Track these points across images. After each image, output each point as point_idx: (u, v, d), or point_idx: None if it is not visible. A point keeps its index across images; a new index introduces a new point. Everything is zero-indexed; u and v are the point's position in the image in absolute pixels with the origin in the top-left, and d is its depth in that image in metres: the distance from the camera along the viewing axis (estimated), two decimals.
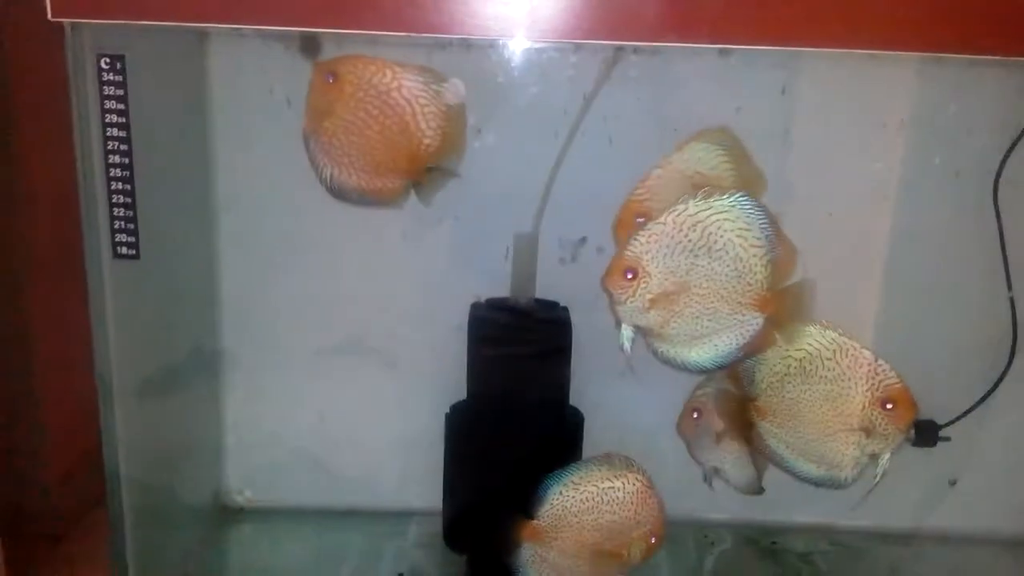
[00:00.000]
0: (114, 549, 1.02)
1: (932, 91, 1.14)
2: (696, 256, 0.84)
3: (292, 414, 1.27)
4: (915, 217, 1.18)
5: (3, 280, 1.10)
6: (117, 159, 0.89)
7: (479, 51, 1.02)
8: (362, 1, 0.81)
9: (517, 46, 1.04)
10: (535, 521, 0.97)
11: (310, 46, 0.93)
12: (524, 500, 0.99)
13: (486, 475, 1.12)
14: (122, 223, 0.91)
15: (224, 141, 1.16)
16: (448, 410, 1.15)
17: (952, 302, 1.21)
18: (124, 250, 0.92)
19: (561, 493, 0.96)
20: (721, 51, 1.05)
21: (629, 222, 0.91)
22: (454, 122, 0.88)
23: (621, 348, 0.87)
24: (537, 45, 1.03)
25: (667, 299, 0.85)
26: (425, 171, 0.89)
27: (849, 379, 0.89)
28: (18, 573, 1.04)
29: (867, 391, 0.89)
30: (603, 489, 0.95)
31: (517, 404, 1.10)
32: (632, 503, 0.95)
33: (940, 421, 1.20)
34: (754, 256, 0.85)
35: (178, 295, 1.13)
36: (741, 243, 0.84)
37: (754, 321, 0.86)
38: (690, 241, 0.84)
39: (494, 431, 1.11)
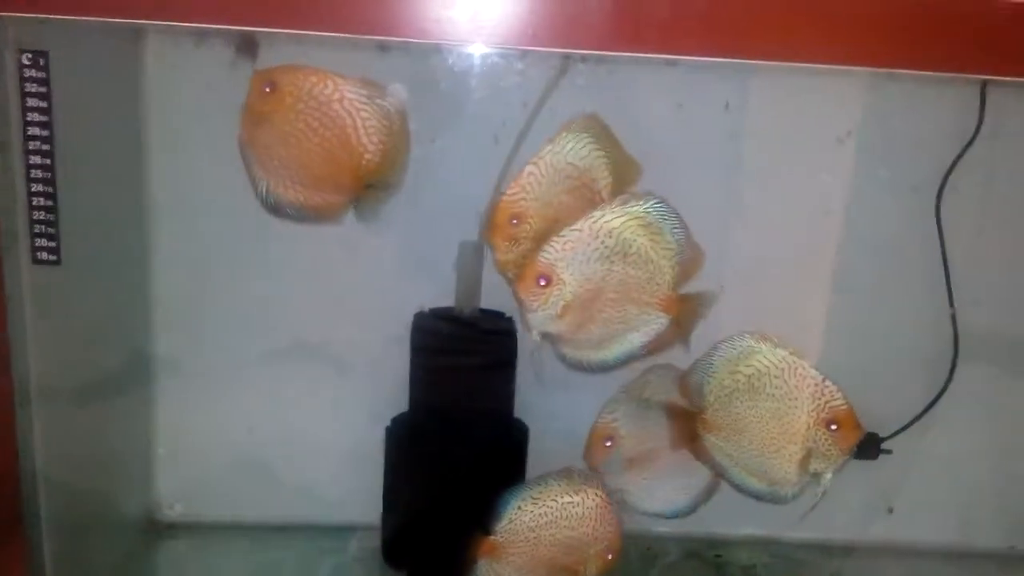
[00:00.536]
0: (31, 564, 0.97)
1: (881, 105, 1.15)
2: (611, 263, 0.85)
3: (226, 424, 1.24)
4: (861, 230, 1.19)
5: None
6: (38, 159, 0.85)
7: (422, 56, 1.00)
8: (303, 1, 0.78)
9: (464, 52, 1.02)
10: (492, 537, 0.95)
11: (246, 47, 0.90)
12: (469, 515, 0.97)
13: (427, 489, 1.09)
14: (42, 227, 0.86)
15: (159, 143, 1.12)
16: (389, 422, 1.13)
17: (898, 315, 1.22)
18: (44, 255, 0.87)
19: (520, 508, 0.95)
20: (668, 62, 1.04)
21: (504, 224, 0.89)
22: (396, 137, 0.86)
23: (530, 356, 0.88)
24: (484, 51, 1.01)
25: (580, 305, 0.85)
26: (365, 187, 0.87)
27: (796, 398, 0.89)
28: None
29: (813, 411, 0.89)
30: (563, 504, 0.95)
31: (460, 416, 1.08)
32: (591, 519, 0.95)
33: (882, 434, 1.21)
34: (664, 259, 0.86)
35: (105, 302, 1.10)
36: (653, 247, 0.85)
37: (659, 321, 0.88)
38: (606, 248, 0.84)
39: (436, 444, 1.09)
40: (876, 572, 1.30)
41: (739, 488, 0.96)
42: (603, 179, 0.90)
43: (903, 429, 1.20)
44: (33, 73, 0.82)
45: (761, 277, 1.20)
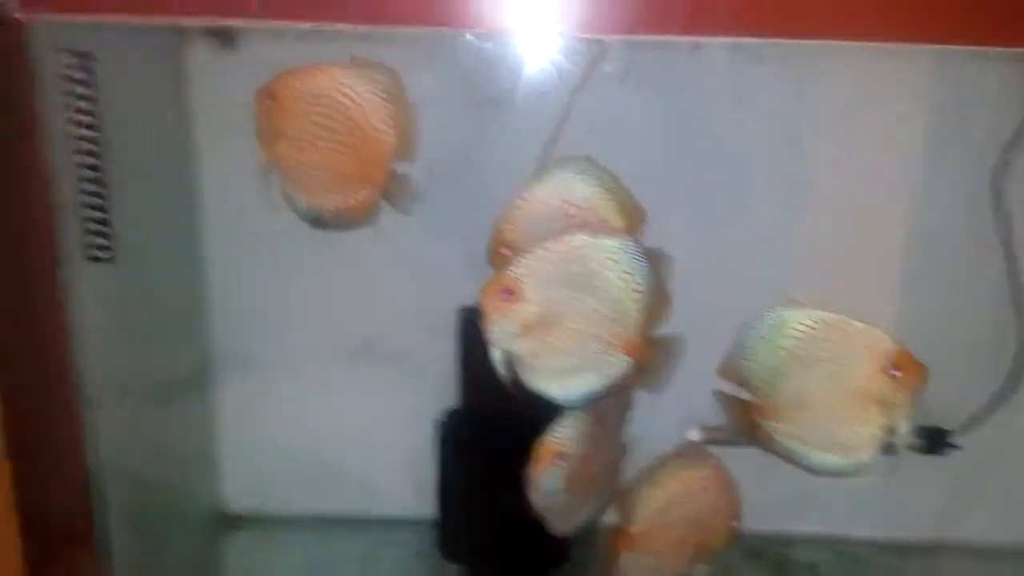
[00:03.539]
0: (103, 559, 1.01)
1: (948, 86, 1.10)
2: (575, 290, 0.82)
3: (290, 420, 1.26)
4: (926, 217, 1.15)
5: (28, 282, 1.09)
6: (88, 160, 0.87)
7: (461, 45, 1.01)
8: None
9: (502, 39, 1.01)
10: (628, 529, 0.94)
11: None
12: (522, 508, 0.96)
13: (479, 484, 1.10)
14: (95, 226, 0.89)
15: (209, 141, 1.14)
16: (441, 417, 1.13)
17: (966, 305, 1.17)
18: (99, 253, 0.90)
19: (645, 493, 0.93)
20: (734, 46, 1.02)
21: (496, 252, 0.89)
22: (401, 110, 0.84)
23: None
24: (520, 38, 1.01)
25: (540, 329, 0.83)
26: (390, 177, 0.86)
27: (846, 354, 0.83)
28: (38, 573, 1.05)
29: (868, 361, 0.83)
30: (683, 480, 0.93)
31: (510, 410, 1.07)
32: (713, 489, 0.93)
33: (951, 429, 1.16)
34: (631, 300, 0.83)
35: (163, 299, 1.12)
36: (622, 285, 0.82)
37: (620, 363, 0.85)
38: (572, 274, 0.82)
39: (487, 438, 1.09)
40: (945, 572, 1.25)
41: (813, 469, 0.88)
42: (609, 218, 0.88)
43: (972, 424, 1.15)
44: (79, 75, 0.85)
45: (825, 267, 1.16)
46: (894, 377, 0.82)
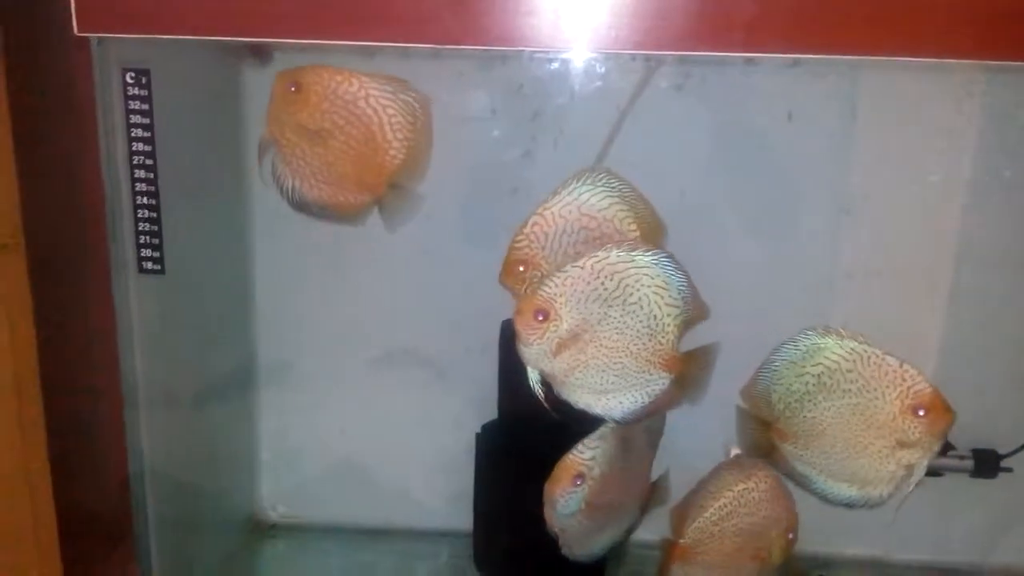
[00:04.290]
0: (141, 562, 1.01)
1: (1001, 99, 1.08)
2: (609, 306, 0.82)
3: (326, 430, 1.27)
4: (977, 233, 1.12)
5: (79, 291, 1.11)
6: (142, 174, 0.89)
7: (506, 63, 1.01)
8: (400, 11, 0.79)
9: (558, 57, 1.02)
10: (680, 540, 0.94)
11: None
12: None
13: (517, 497, 1.09)
14: (147, 238, 0.91)
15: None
16: (479, 429, 1.13)
17: (1017, 326, 1.14)
18: (149, 265, 0.91)
19: (701, 506, 0.93)
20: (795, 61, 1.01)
21: (512, 270, 0.88)
22: (420, 135, 0.85)
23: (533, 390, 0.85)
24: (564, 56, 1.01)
25: (575, 346, 0.82)
26: (389, 188, 0.86)
27: (874, 389, 0.83)
28: (75, 573, 1.06)
29: (896, 400, 0.83)
30: (739, 492, 0.92)
31: (548, 423, 1.06)
32: (768, 501, 0.92)
33: (1002, 451, 1.13)
34: (668, 315, 0.83)
35: (209, 310, 1.13)
36: (657, 300, 0.82)
37: (661, 381, 0.84)
38: (605, 290, 0.81)
39: (525, 452, 1.08)
40: None
41: (826, 498, 0.90)
42: (630, 232, 0.87)
43: None
44: (136, 91, 0.86)
45: (874, 284, 1.15)
46: (919, 418, 0.82)
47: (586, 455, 0.91)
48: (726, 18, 0.78)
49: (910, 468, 0.84)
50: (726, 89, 1.09)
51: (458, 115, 1.10)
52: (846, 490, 0.88)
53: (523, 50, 0.81)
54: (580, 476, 0.91)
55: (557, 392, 0.86)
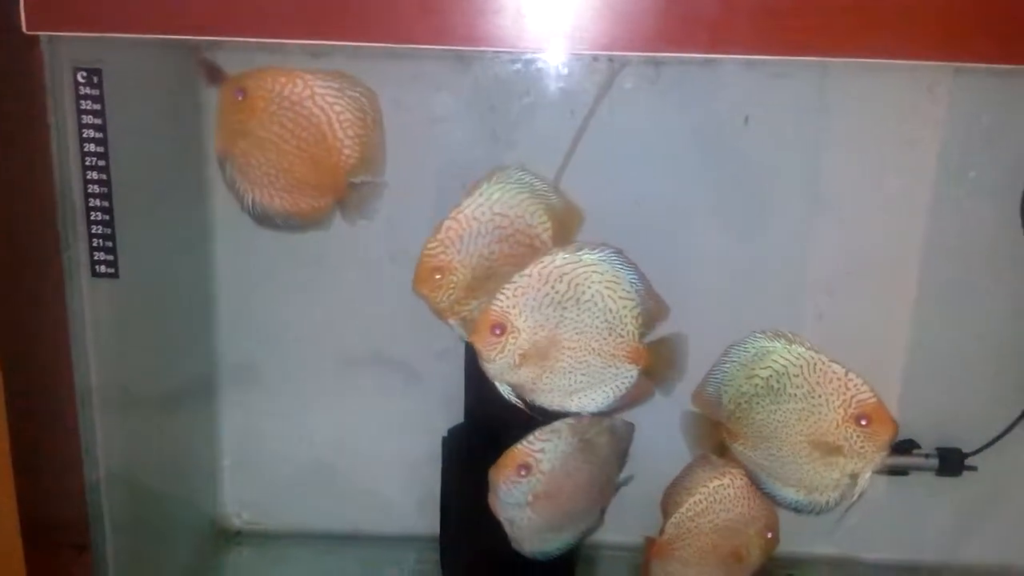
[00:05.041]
0: (97, 570, 0.99)
1: (964, 102, 1.09)
2: (564, 308, 0.82)
3: (290, 435, 1.25)
4: (945, 236, 1.13)
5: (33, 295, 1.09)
6: (95, 175, 0.87)
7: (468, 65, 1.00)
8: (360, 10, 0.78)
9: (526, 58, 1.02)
10: (658, 537, 0.94)
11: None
12: None
13: (483, 501, 1.08)
14: (100, 241, 0.88)
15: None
16: (445, 433, 1.12)
17: (985, 324, 1.15)
18: (103, 268, 0.89)
19: (677, 502, 0.94)
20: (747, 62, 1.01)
21: (427, 278, 0.87)
22: (372, 130, 0.84)
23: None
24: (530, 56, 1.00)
25: (537, 353, 0.83)
26: (348, 187, 0.85)
27: (819, 396, 0.83)
28: None
29: (839, 408, 0.83)
30: (714, 488, 0.92)
31: (515, 426, 1.05)
32: (744, 498, 0.92)
33: (967, 450, 1.14)
34: (624, 308, 0.83)
35: (168, 313, 1.12)
36: (610, 295, 0.83)
37: (628, 374, 0.85)
38: (557, 293, 0.82)
39: (492, 456, 1.07)
40: None
41: (776, 501, 0.90)
42: (541, 225, 0.87)
43: (988, 445, 1.13)
44: (88, 90, 0.84)
45: (843, 284, 1.16)
46: (861, 427, 0.82)
47: (535, 446, 0.91)
48: (692, 19, 0.78)
49: (854, 477, 0.84)
50: (693, 89, 1.09)
51: (424, 116, 1.09)
52: (792, 494, 0.88)
53: (487, 51, 0.80)
54: (526, 467, 0.91)
55: (530, 400, 0.86)
